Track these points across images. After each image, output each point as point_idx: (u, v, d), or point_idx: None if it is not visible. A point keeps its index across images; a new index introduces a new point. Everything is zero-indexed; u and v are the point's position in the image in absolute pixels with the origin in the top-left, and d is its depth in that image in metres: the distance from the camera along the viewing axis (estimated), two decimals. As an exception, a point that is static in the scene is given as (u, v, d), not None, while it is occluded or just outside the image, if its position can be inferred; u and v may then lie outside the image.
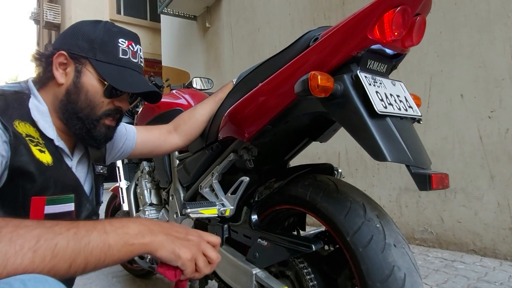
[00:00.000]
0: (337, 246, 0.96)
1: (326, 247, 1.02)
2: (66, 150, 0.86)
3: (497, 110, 2.27)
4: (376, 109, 0.71)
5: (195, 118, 1.17)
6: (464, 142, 2.42)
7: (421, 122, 0.91)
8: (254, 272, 0.92)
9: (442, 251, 2.51)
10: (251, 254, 0.97)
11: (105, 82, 0.84)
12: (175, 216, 1.32)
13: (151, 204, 1.54)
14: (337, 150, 3.31)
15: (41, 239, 0.48)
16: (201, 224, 1.21)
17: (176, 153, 1.40)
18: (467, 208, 2.40)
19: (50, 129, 0.82)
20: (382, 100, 0.75)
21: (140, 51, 0.93)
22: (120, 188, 1.78)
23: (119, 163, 1.82)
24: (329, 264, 0.93)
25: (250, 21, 4.70)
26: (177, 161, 1.37)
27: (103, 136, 0.88)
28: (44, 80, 0.85)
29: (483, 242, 2.33)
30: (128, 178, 1.81)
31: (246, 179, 0.98)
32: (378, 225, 0.78)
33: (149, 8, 13.62)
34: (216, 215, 0.97)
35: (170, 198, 1.36)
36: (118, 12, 13.53)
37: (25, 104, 0.80)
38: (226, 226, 1.08)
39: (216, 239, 0.70)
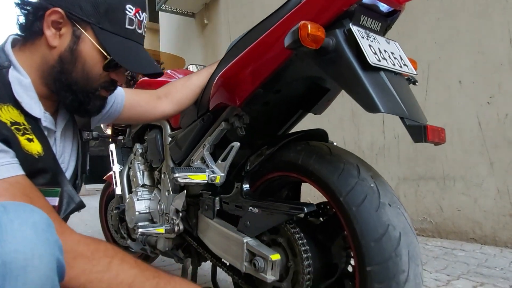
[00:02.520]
0: (331, 213, 0.93)
1: (321, 219, 0.99)
2: (51, 125, 0.80)
3: (496, 95, 2.24)
4: (369, 61, 0.69)
5: (188, 87, 1.14)
6: (463, 129, 2.39)
7: (416, 84, 0.88)
8: (245, 240, 0.89)
9: (441, 240, 2.48)
10: (242, 224, 0.94)
11: (108, 56, 0.76)
12: (166, 194, 1.29)
13: (143, 185, 1.51)
14: (334, 140, 3.29)
15: (136, 279, 0.59)
16: (193, 200, 1.18)
17: (169, 130, 1.37)
18: (467, 196, 2.37)
19: (36, 106, 0.73)
20: (375, 53, 0.72)
21: (145, 19, 0.84)
22: (113, 172, 1.75)
23: (112, 147, 1.80)
24: (322, 232, 0.90)
25: (248, 17, 4.68)
26: (170, 139, 1.34)
27: (97, 108, 0.82)
28: (29, 36, 0.75)
29: (483, 230, 2.30)
30: (122, 162, 1.78)
31: (237, 144, 0.95)
32: (372, 185, 0.75)
33: (148, 9, 13.65)
34: (206, 181, 0.94)
35: (162, 176, 1.33)
36: (117, 12, 13.54)
37: (5, 80, 0.70)
38: (217, 198, 1.05)
39: None
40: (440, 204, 2.52)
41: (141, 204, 1.44)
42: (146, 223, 1.37)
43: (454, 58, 2.45)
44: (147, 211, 1.43)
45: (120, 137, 1.86)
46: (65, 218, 0.79)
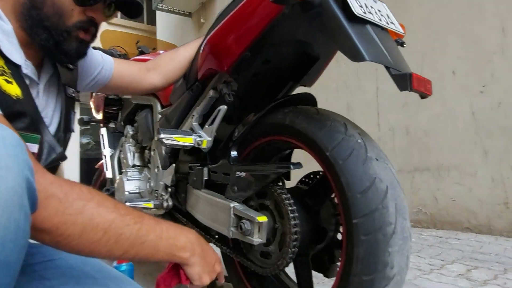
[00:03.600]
0: (318, 176, 0.92)
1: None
2: (34, 76, 0.77)
3: (489, 84, 2.25)
4: (354, 11, 0.68)
5: (176, 60, 1.13)
6: (457, 119, 2.39)
7: (404, 45, 0.87)
8: (232, 205, 0.88)
9: (436, 231, 2.46)
10: (229, 190, 0.92)
11: None
12: (156, 170, 1.27)
13: (133, 166, 1.49)
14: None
15: (113, 224, 0.55)
16: (182, 175, 1.17)
17: (159, 108, 1.36)
18: (461, 186, 2.37)
19: (16, 53, 0.71)
20: (361, 6, 0.71)
21: None
22: (104, 156, 1.73)
23: (103, 131, 1.78)
24: (310, 196, 0.89)
25: (244, 14, 4.70)
26: (160, 116, 1.33)
27: (75, 51, 0.78)
28: None
29: (477, 219, 2.29)
30: (113, 146, 1.76)
31: (223, 107, 0.94)
32: (359, 141, 0.74)
33: (146, 12, 13.68)
34: (192, 144, 0.93)
35: (152, 153, 1.32)
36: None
37: None
38: (205, 168, 1.04)
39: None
40: (435, 195, 2.51)
41: (131, 184, 1.43)
42: (135, 201, 1.35)
43: (448, 48, 2.46)
44: (137, 191, 1.41)
45: (111, 124, 1.84)
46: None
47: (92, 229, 0.52)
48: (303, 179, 1.00)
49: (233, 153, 0.96)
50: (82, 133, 9.57)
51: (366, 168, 0.71)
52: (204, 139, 0.94)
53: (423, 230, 2.50)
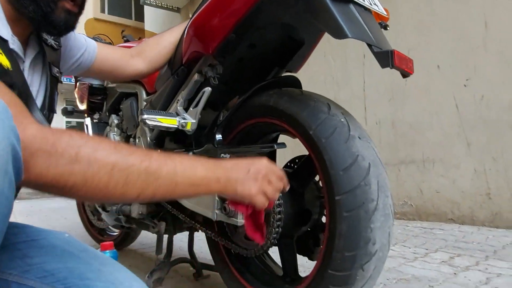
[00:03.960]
0: (303, 159, 0.93)
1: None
2: (20, 52, 0.75)
3: (472, 78, 2.29)
4: (337, -11, 0.68)
5: (161, 45, 1.12)
6: (442, 112, 2.43)
7: (387, 28, 0.88)
8: (216, 187, 0.87)
9: (421, 222, 2.50)
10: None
11: None
12: (141, 157, 1.26)
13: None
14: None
15: (116, 168, 0.51)
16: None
17: (144, 95, 1.34)
18: (445, 178, 2.41)
19: (3, 28, 0.70)
20: (344, -14, 0.72)
21: None
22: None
23: (87, 121, 1.75)
24: (294, 179, 0.89)
25: (232, 9, 4.68)
26: (145, 103, 1.32)
27: (63, 22, 0.76)
28: None
29: (461, 210, 2.33)
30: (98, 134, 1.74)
31: (208, 89, 0.93)
32: (342, 120, 0.75)
33: (134, 8, 13.50)
34: (176, 126, 0.92)
35: (137, 140, 1.31)
36: (102, 11, 13.33)
37: None
38: (190, 153, 1.03)
39: (280, 172, 0.68)
40: (420, 187, 2.55)
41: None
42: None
43: (433, 43, 2.50)
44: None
45: (96, 115, 1.82)
46: None
47: (93, 175, 0.49)
48: (288, 163, 1.00)
49: (218, 137, 0.96)
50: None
51: (349, 146, 0.71)
52: (189, 121, 0.94)
53: (408, 222, 2.53)
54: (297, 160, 0.99)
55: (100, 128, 1.78)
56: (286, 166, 0.99)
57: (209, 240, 1.06)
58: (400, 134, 2.67)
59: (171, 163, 0.57)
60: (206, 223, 1.05)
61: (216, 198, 0.87)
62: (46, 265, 0.59)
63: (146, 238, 2.24)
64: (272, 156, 0.97)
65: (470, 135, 2.29)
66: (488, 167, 2.21)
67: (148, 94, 1.34)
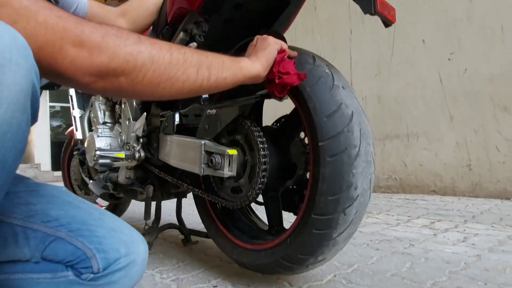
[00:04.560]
0: (287, 116, 0.94)
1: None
2: None
3: (456, 52, 2.32)
4: None
5: (144, 6, 1.10)
6: (426, 87, 2.47)
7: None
8: (202, 142, 0.88)
9: (405, 195, 2.57)
10: (201, 130, 0.93)
11: None
12: (127, 123, 1.25)
13: (104, 123, 1.46)
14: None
15: (173, 46, 0.55)
16: (153, 127, 1.16)
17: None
18: (428, 151, 2.47)
19: None
20: None
21: None
22: (73, 117, 1.68)
23: (72, 92, 1.72)
24: (281, 135, 0.91)
25: None
26: (130, 69, 1.30)
27: None
28: None
29: (443, 182, 2.40)
30: (82, 107, 1.71)
31: (193, 44, 0.93)
32: (327, 71, 0.76)
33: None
34: None
35: (122, 106, 1.30)
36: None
37: None
38: (177, 113, 1.03)
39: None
40: (404, 161, 2.61)
41: (102, 140, 1.40)
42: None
43: (419, 18, 2.52)
44: (108, 147, 1.39)
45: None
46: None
47: (158, 52, 0.52)
48: (274, 123, 1.01)
49: (204, 96, 0.96)
50: (53, 116, 9.24)
51: (333, 94, 0.73)
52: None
53: (392, 195, 2.60)
54: (282, 120, 1.00)
55: (85, 99, 1.75)
56: (272, 125, 1.01)
57: (197, 198, 1.08)
58: (386, 109, 2.71)
59: (213, 53, 0.62)
60: (193, 182, 1.06)
61: (203, 152, 0.88)
62: (50, 211, 0.60)
63: (134, 213, 2.25)
64: (258, 110, 0.98)
65: (453, 108, 2.34)
66: (469, 139, 2.27)
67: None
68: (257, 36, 0.77)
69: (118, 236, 0.60)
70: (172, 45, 0.56)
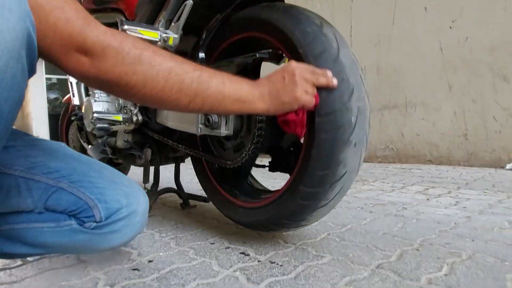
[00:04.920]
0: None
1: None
2: None
3: (458, 19, 2.28)
4: None
5: None
6: (426, 56, 2.45)
7: None
8: (200, 102, 0.88)
9: (401, 164, 2.61)
10: (198, 90, 0.93)
11: None
12: (124, 86, 1.25)
13: (101, 88, 1.46)
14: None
15: (172, 72, 0.55)
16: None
17: (125, 25, 1.30)
18: (426, 121, 2.48)
19: None
20: None
21: None
22: (69, 83, 1.67)
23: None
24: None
25: None
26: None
27: None
28: None
29: (439, 151, 2.43)
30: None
31: (189, 2, 0.91)
32: (333, 41, 0.74)
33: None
34: (158, 39, 0.91)
35: (119, 70, 1.29)
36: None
37: None
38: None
39: (310, 67, 0.70)
40: (402, 131, 2.62)
41: (99, 105, 1.40)
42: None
43: (421, -16, 2.46)
44: (106, 111, 1.39)
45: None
46: None
47: (153, 77, 0.53)
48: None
49: (201, 55, 0.96)
50: (49, 88, 9.15)
51: (336, 67, 0.71)
52: (171, 35, 0.92)
53: (389, 164, 2.63)
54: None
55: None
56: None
57: (195, 161, 1.09)
58: (385, 79, 2.69)
59: (220, 77, 0.61)
60: (191, 144, 1.07)
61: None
62: (50, 163, 0.61)
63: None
64: (256, 72, 0.97)
65: (452, 78, 2.32)
66: (467, 109, 2.27)
67: (128, 22, 1.30)
68: (292, 65, 0.68)
69: (118, 187, 0.62)
70: (174, 69, 0.55)
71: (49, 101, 9.09)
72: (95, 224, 0.57)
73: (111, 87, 0.53)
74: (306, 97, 0.67)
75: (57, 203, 0.58)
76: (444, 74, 2.35)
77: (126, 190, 0.62)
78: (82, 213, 0.57)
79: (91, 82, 0.53)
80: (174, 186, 1.42)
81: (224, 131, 0.84)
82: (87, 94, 1.61)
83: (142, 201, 0.63)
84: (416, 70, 2.49)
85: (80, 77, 0.52)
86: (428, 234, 0.99)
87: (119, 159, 1.48)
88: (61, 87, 9.29)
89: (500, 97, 2.14)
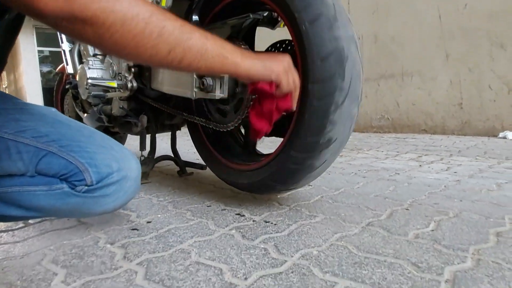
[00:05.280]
0: (284, 45, 0.94)
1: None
2: None
3: (458, -15, 2.24)
4: None
5: None
6: (423, 24, 2.41)
7: None
8: (194, 66, 0.88)
9: (396, 134, 2.63)
10: (192, 54, 0.92)
11: None
12: (118, 53, 1.24)
13: (94, 55, 1.44)
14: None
15: (154, 16, 0.50)
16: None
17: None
18: (422, 90, 2.48)
19: None
20: None
21: None
22: (62, 51, 1.65)
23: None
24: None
25: None
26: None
27: None
28: None
29: (433, 121, 2.45)
30: (71, 40, 1.67)
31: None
32: (330, 6, 0.73)
33: None
34: (150, 0, 0.90)
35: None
36: None
37: None
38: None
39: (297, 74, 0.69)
40: (398, 101, 2.63)
41: (93, 72, 1.39)
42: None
43: None
44: (100, 78, 1.38)
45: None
46: None
47: (132, 17, 0.49)
48: (269, 48, 1.01)
49: (195, 18, 0.94)
50: (42, 61, 8.96)
51: (332, 35, 0.70)
52: (163, -3, 0.91)
53: (384, 134, 2.66)
54: (277, 45, 0.99)
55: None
56: (266, 50, 1.00)
57: (191, 127, 1.10)
58: (382, 49, 2.67)
59: (203, 31, 0.56)
60: (186, 109, 1.08)
61: (195, 76, 0.89)
62: (40, 128, 0.61)
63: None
64: (251, 35, 0.97)
65: (449, 46, 2.30)
66: (463, 77, 2.27)
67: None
68: (286, 57, 0.67)
69: (109, 152, 0.62)
70: (156, 13, 0.51)
71: (42, 74, 8.94)
72: (86, 187, 0.58)
73: (85, 28, 0.48)
74: (286, 78, 0.65)
75: (48, 167, 0.58)
76: (442, 43, 2.33)
77: (116, 155, 0.62)
78: (73, 177, 0.58)
79: (64, 22, 0.48)
80: (171, 154, 1.44)
81: (218, 94, 0.84)
82: (81, 62, 1.59)
83: (134, 167, 0.63)
84: (413, 38, 2.47)
85: (52, 16, 0.47)
86: (418, 195, 1.02)
87: (115, 128, 1.48)
88: (54, 60, 9.10)
89: (496, 66, 2.14)
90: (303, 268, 0.59)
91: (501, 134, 2.17)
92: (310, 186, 1.15)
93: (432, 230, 0.74)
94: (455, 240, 0.69)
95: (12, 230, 0.85)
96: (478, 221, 0.79)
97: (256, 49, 1.03)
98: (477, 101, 2.23)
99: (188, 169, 1.47)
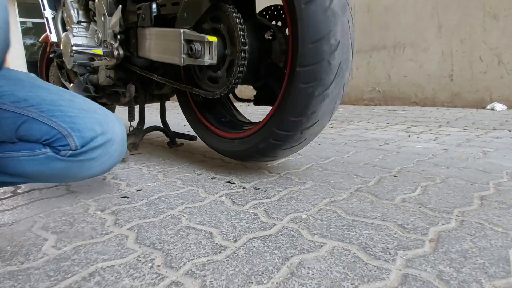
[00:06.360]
0: (276, 12, 0.91)
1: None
2: None
3: (454, -47, 2.19)
4: None
5: None
6: (418, -7, 2.37)
7: None
8: (181, 31, 0.86)
9: (387, 106, 2.64)
10: (179, 19, 0.89)
11: None
12: (102, 19, 1.19)
13: (79, 22, 1.38)
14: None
15: None
16: (130, 24, 1.10)
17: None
18: (414, 62, 2.47)
19: None
20: None
21: None
22: (45, 19, 1.58)
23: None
24: (266, 28, 0.89)
25: None
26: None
27: None
28: None
29: (424, 93, 2.45)
30: (54, 7, 1.60)
31: None
32: None
33: None
34: None
35: (96, 1, 1.22)
36: None
37: None
38: (154, 4, 0.98)
39: None
40: (389, 73, 2.62)
41: (78, 40, 1.34)
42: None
43: None
44: (85, 45, 1.34)
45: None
46: None
47: None
48: (262, 11, 0.98)
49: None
50: (25, 33, 8.63)
51: (325, 18, 0.68)
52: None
53: (375, 106, 2.66)
54: (269, 11, 0.97)
55: (56, 0, 1.63)
56: (259, 14, 0.97)
57: (180, 96, 1.09)
58: (375, 19, 2.62)
59: None
60: (175, 77, 1.06)
61: (182, 41, 0.86)
62: (17, 93, 0.58)
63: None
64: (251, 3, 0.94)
65: (442, 17, 2.28)
66: (455, 49, 2.26)
67: None
68: None
69: (91, 115, 0.60)
70: None
71: (26, 47, 8.64)
72: (70, 152, 0.57)
73: None
74: None
75: (29, 133, 0.57)
76: (435, 13, 2.30)
77: (99, 118, 0.61)
78: (56, 142, 0.57)
79: None
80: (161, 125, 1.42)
81: (207, 60, 0.82)
82: (65, 30, 1.53)
83: (118, 130, 0.62)
84: (407, 8, 2.43)
85: None
86: (406, 163, 1.04)
87: (102, 98, 1.45)
88: (38, 31, 8.78)
89: (488, 37, 2.13)
90: (292, 231, 0.60)
91: (489, 106, 2.19)
92: (300, 155, 1.16)
93: (419, 195, 0.76)
94: (441, 203, 0.70)
95: (0, 199, 0.84)
96: (464, 186, 0.81)
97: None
98: (468, 73, 2.23)
99: (178, 140, 1.46)
